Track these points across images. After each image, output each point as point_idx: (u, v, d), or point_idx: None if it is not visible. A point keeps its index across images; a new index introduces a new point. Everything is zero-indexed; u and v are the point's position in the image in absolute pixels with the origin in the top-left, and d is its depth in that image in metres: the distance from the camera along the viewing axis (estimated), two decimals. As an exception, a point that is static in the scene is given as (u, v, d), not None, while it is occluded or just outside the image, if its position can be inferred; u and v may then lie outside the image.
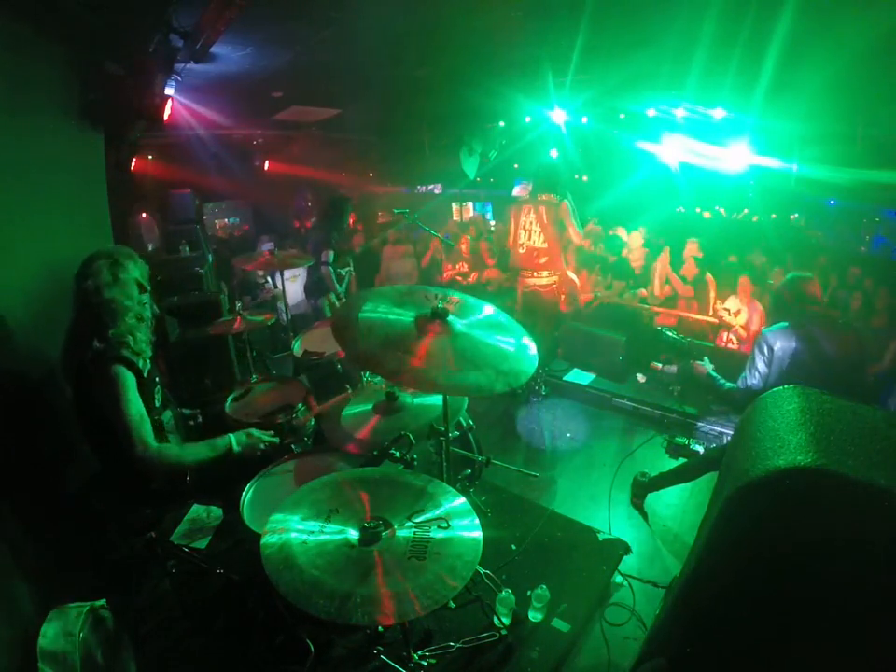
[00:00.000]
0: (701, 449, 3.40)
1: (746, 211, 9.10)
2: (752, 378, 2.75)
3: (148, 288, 2.20)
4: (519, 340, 1.99)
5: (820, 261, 5.91)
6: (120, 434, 1.97)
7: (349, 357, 2.29)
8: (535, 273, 4.55)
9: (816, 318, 2.69)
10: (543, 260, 4.51)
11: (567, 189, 4.56)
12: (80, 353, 2.01)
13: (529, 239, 4.53)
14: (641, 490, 3.23)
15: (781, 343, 2.65)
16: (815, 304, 2.74)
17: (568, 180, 6.95)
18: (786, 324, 2.72)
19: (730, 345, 4.91)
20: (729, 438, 3.06)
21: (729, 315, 4.96)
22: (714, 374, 2.98)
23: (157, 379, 2.26)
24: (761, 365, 2.72)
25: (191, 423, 2.59)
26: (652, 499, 3.22)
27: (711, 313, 5.28)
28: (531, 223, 4.50)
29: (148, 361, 2.19)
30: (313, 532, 1.47)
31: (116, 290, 2.03)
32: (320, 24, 3.55)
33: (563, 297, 4.61)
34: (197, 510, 2.43)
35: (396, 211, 5.40)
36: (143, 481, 2.14)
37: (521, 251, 4.61)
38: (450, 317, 1.89)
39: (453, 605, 2.22)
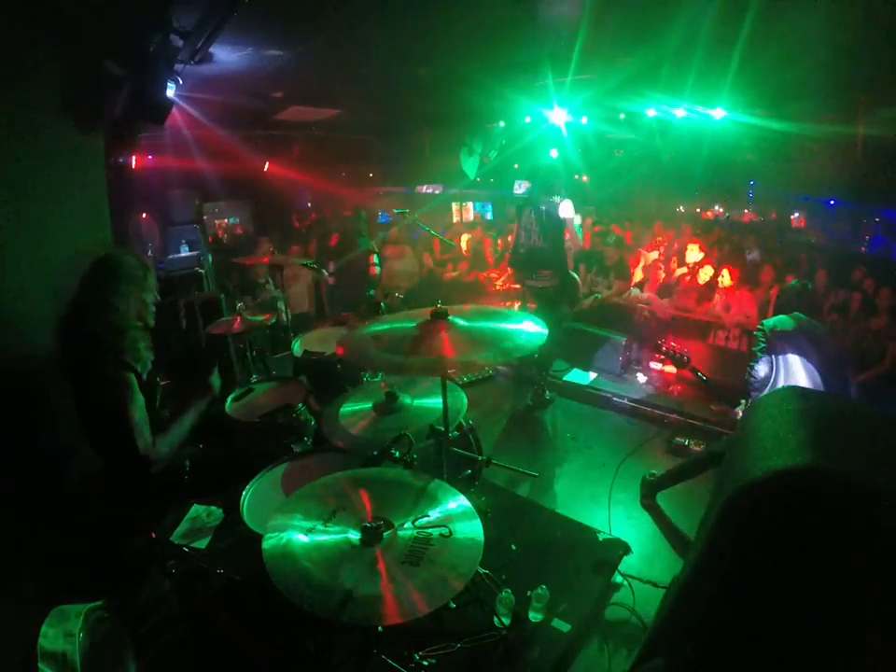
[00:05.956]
0: (700, 449, 3.42)
1: (746, 211, 9.12)
2: (758, 364, 2.87)
3: (158, 299, 2.29)
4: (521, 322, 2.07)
5: (821, 262, 5.92)
6: (125, 434, 2.03)
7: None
8: (535, 275, 4.46)
9: (803, 326, 2.80)
10: (544, 261, 4.43)
11: (567, 190, 4.48)
12: (85, 352, 2.03)
13: (530, 240, 4.46)
14: (650, 490, 3.22)
15: (775, 337, 2.79)
16: (806, 313, 2.86)
17: (568, 180, 6.96)
18: (784, 318, 2.84)
19: (721, 343, 4.95)
20: (729, 437, 3.11)
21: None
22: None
23: (157, 379, 2.27)
24: (762, 352, 2.85)
25: None
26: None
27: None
28: (532, 223, 4.42)
29: (149, 363, 2.23)
30: (314, 532, 1.48)
31: (136, 303, 2.14)
32: (320, 24, 3.55)
33: (564, 298, 4.53)
34: (197, 510, 2.43)
35: (396, 211, 5.43)
36: (143, 480, 2.14)
37: (522, 251, 4.54)
38: (450, 317, 1.97)
39: (453, 605, 2.22)
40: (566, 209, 4.32)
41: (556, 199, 4.35)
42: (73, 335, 2.06)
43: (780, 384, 2.73)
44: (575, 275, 4.57)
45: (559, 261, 4.44)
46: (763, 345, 2.82)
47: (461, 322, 1.98)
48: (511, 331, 1.98)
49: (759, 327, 2.90)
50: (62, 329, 2.09)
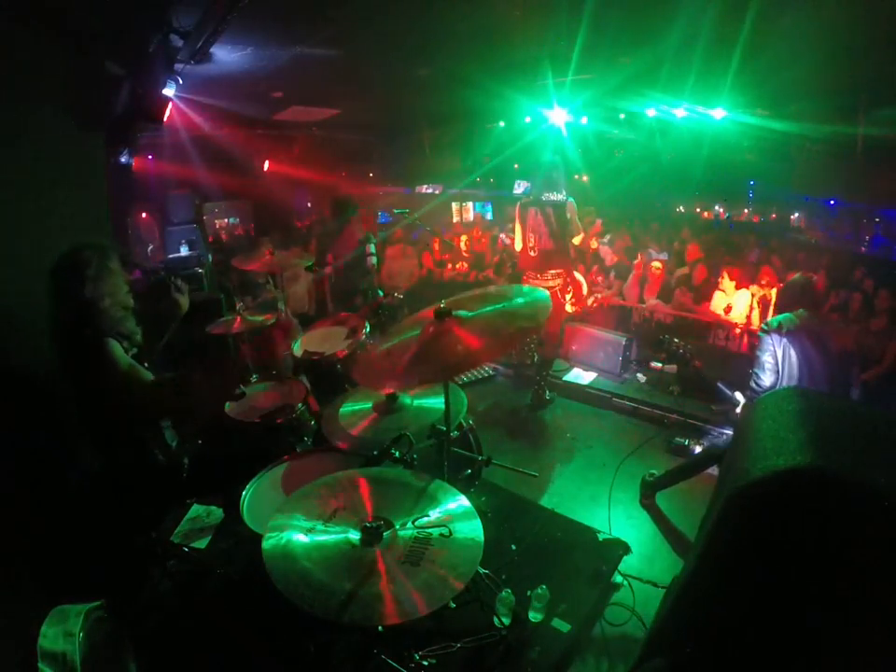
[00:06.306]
0: (700, 449, 3.41)
1: (746, 212, 9.12)
2: (763, 373, 2.83)
3: (128, 277, 2.27)
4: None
5: (821, 262, 5.92)
6: (118, 389, 1.99)
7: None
8: (541, 275, 4.45)
9: (806, 324, 2.77)
10: (553, 262, 4.44)
11: (567, 191, 4.49)
12: (72, 344, 2.03)
13: (540, 241, 4.44)
14: (650, 490, 3.22)
15: (778, 337, 2.76)
16: (809, 309, 2.83)
17: (568, 181, 6.99)
18: (788, 317, 2.81)
19: (721, 343, 4.95)
20: (728, 437, 3.09)
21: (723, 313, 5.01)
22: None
23: (146, 365, 2.25)
24: (768, 358, 2.78)
25: None
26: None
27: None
28: (540, 225, 4.41)
29: (138, 338, 2.23)
30: (314, 532, 1.47)
31: (108, 281, 2.09)
32: (320, 24, 3.54)
33: (568, 298, 4.53)
34: (197, 510, 2.43)
35: (396, 211, 5.42)
36: (143, 480, 2.14)
37: (532, 254, 4.51)
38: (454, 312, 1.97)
39: (453, 605, 2.22)
40: (572, 210, 4.34)
41: (562, 195, 4.36)
42: (64, 340, 2.06)
43: (785, 384, 2.72)
44: (579, 276, 4.57)
45: (567, 261, 4.46)
46: (767, 348, 2.79)
47: (467, 314, 1.97)
48: (517, 304, 2.00)
49: (762, 327, 2.87)
50: (54, 340, 2.08)
